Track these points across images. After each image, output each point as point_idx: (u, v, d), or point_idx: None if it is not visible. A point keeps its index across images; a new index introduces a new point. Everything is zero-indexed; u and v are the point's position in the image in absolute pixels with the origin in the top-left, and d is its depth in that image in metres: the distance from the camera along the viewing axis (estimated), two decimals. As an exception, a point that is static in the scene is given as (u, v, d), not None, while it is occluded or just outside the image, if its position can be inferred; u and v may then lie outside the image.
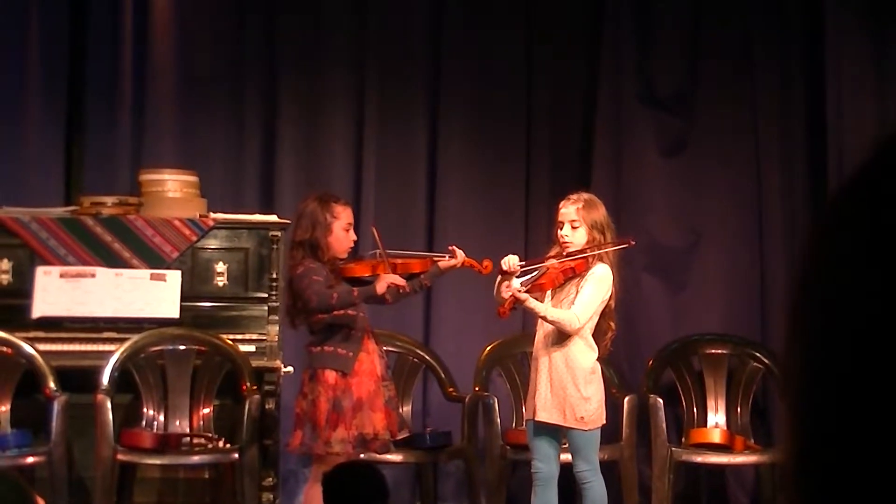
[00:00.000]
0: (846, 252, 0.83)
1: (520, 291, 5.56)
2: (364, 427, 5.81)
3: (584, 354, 5.66)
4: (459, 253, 5.96)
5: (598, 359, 5.77)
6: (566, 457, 5.79)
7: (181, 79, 7.64)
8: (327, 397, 5.77)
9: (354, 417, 5.79)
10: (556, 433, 5.73)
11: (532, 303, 5.62)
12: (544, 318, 5.66)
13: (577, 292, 5.66)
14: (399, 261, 6.01)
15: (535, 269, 5.74)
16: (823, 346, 0.83)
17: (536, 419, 5.70)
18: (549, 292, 5.73)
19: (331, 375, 5.80)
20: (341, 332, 5.84)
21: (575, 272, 5.69)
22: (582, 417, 5.63)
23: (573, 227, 5.71)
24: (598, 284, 5.67)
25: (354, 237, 6.01)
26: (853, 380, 0.80)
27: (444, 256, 6.01)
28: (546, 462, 5.73)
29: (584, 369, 5.65)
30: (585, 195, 5.86)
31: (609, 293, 5.70)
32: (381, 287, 5.79)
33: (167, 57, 7.62)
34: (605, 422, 5.76)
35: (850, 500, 0.80)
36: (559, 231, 5.75)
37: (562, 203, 5.80)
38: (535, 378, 5.74)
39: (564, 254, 5.71)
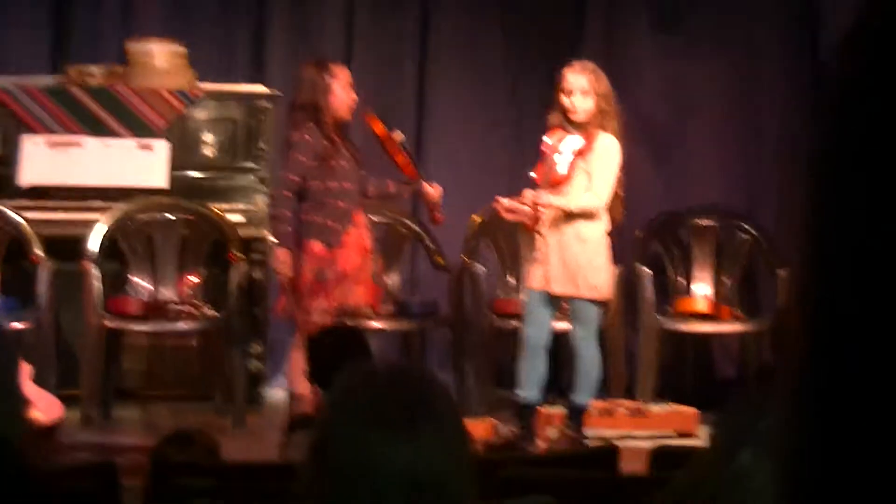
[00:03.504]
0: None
1: (538, 196, 5.58)
2: (346, 299, 5.84)
3: (594, 226, 5.70)
4: (438, 189, 6.00)
5: (613, 226, 5.79)
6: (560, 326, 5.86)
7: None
8: (311, 267, 5.79)
9: (336, 289, 5.81)
10: (556, 304, 5.78)
11: (554, 201, 5.63)
12: (572, 212, 5.65)
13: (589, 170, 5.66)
14: (400, 156, 6.01)
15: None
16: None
17: (549, 291, 5.70)
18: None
19: (316, 246, 5.81)
20: (331, 202, 5.83)
21: (582, 153, 5.67)
22: (595, 286, 5.69)
23: (584, 95, 5.66)
24: (611, 158, 5.69)
25: (355, 96, 5.98)
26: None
27: (433, 185, 6.02)
28: (540, 330, 5.77)
29: (596, 240, 5.70)
30: (591, 64, 5.83)
31: (619, 163, 5.71)
32: (276, 264, 5.89)
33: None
34: (611, 296, 5.83)
35: None
36: (568, 99, 5.66)
37: (568, 70, 5.71)
38: (544, 250, 5.72)
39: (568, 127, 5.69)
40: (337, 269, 5.82)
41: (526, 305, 5.87)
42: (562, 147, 5.70)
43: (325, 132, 5.82)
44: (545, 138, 5.78)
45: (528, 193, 5.66)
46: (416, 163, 6.23)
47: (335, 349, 4.65)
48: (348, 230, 5.88)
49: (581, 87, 5.66)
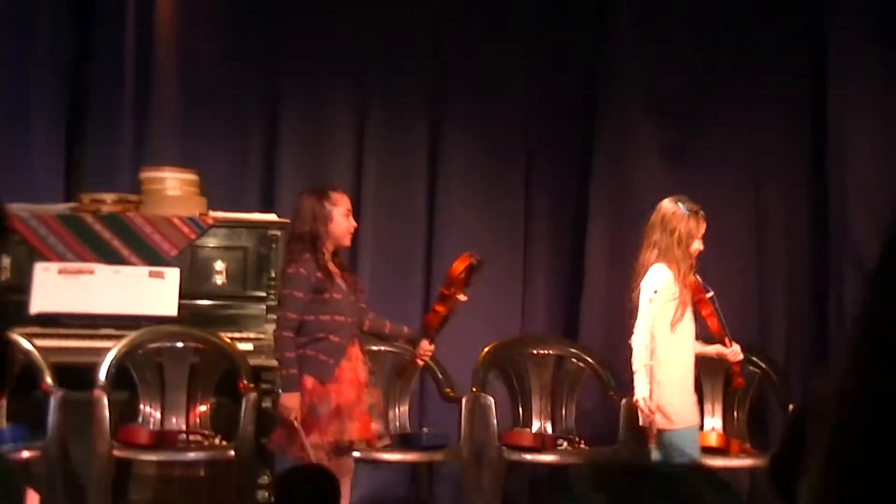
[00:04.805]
0: None
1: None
2: (341, 435, 5.74)
3: None
4: (429, 353, 6.10)
5: None
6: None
7: (184, 78, 7.67)
8: (304, 402, 5.71)
9: (330, 424, 5.71)
10: None
11: None
12: None
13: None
14: (442, 308, 6.03)
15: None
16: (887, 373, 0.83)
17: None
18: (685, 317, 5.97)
19: (309, 381, 5.72)
20: (324, 337, 5.76)
21: None
22: None
23: None
24: None
25: (354, 223, 5.97)
26: None
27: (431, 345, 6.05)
28: None
29: None
30: None
31: None
32: (282, 409, 5.74)
33: (170, 57, 7.64)
34: None
35: None
36: (699, 247, 5.95)
37: (702, 217, 5.96)
38: (690, 385, 6.00)
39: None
40: (330, 405, 5.71)
41: (681, 444, 5.94)
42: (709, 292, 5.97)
43: (321, 262, 5.77)
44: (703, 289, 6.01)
45: (726, 351, 6.15)
46: (443, 327, 6.12)
47: (304, 490, 4.55)
48: (341, 364, 5.77)
49: None
